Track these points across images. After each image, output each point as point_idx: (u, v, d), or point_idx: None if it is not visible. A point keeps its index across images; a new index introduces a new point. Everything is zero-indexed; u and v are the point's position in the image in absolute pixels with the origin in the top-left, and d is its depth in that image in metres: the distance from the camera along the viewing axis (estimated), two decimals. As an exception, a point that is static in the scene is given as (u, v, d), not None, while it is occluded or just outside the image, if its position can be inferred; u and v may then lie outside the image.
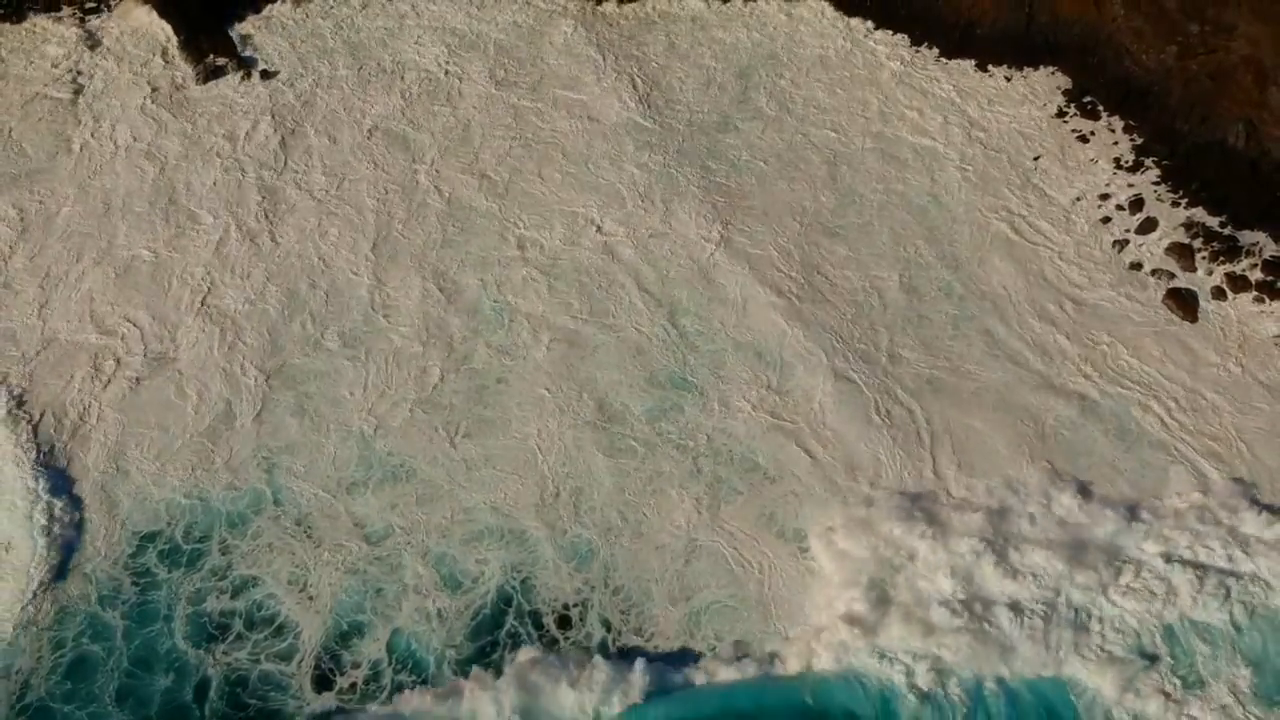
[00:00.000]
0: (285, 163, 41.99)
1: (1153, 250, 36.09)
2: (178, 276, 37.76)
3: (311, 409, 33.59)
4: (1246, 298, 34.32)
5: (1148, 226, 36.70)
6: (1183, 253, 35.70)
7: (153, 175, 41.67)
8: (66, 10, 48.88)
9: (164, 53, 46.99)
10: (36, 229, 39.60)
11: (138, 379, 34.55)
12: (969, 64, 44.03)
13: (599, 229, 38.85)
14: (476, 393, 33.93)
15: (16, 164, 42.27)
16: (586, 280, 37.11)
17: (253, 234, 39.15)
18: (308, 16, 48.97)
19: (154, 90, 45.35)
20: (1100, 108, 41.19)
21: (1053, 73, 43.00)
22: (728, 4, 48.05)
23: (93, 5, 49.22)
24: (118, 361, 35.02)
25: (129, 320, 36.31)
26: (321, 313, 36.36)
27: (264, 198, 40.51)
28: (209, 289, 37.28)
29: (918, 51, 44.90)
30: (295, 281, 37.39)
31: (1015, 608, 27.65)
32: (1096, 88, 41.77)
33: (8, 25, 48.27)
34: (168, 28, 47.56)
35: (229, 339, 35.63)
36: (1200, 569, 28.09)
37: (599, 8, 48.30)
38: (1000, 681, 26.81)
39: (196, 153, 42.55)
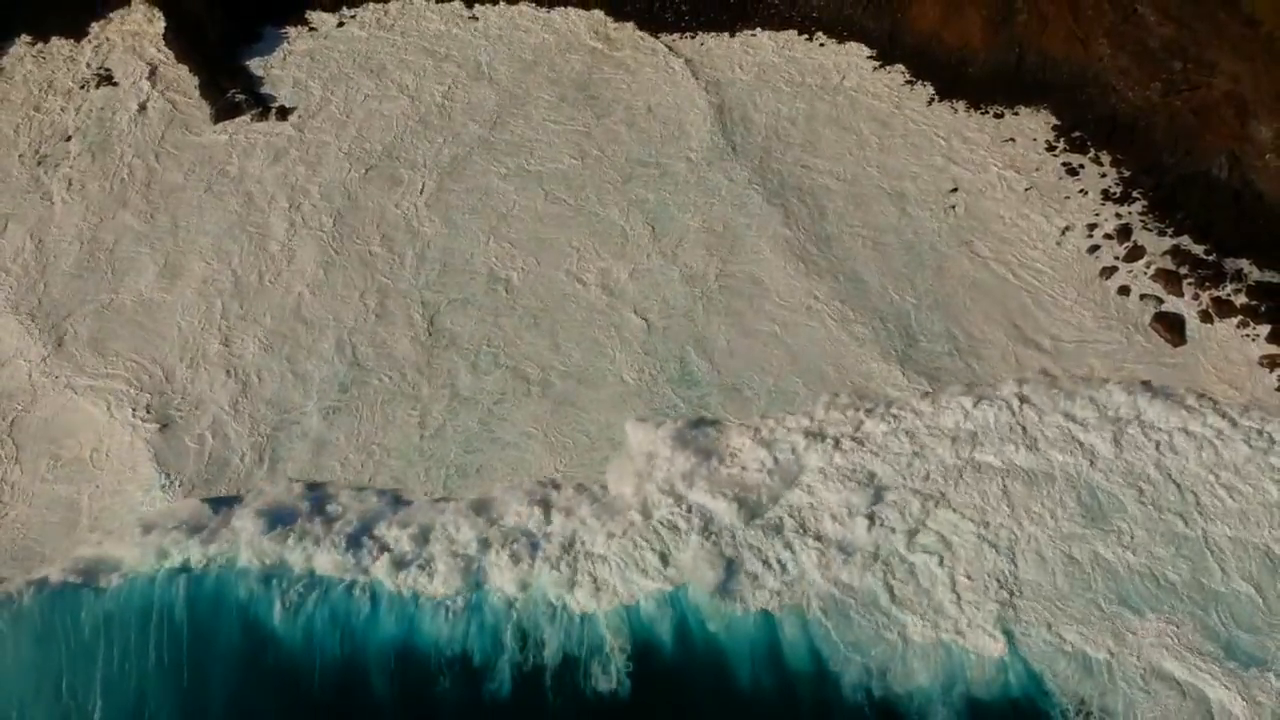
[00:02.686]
0: (291, 203, 42.92)
1: (1140, 277, 37.02)
2: (178, 320, 38.37)
3: (298, 457, 34.13)
4: (1232, 322, 35.16)
5: (1135, 254, 37.66)
6: (1170, 279, 36.62)
7: (161, 215, 42.65)
8: (82, 44, 50.60)
9: (181, 91, 48.40)
10: (48, 266, 40.60)
11: (138, 425, 35.03)
12: (961, 102, 45.25)
13: (592, 265, 39.68)
14: (462, 439, 34.60)
15: (26, 201, 43.49)
16: (577, 318, 37.88)
17: (254, 278, 39.88)
18: (327, 50, 50.49)
19: (167, 128, 46.55)
20: (1089, 142, 42.30)
21: (1042, 109, 44.13)
22: (718, 38, 49.68)
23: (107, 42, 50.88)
24: (119, 407, 35.59)
25: (131, 365, 36.86)
26: (316, 357, 36.96)
27: (269, 240, 41.33)
28: (209, 334, 37.88)
29: (911, 89, 46.19)
30: (292, 327, 38.01)
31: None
32: (1085, 123, 42.93)
33: (25, 57, 49.93)
34: (183, 68, 49.19)
35: (227, 385, 36.16)
36: None
37: (603, 43, 49.74)
38: None
39: (202, 192, 43.48)
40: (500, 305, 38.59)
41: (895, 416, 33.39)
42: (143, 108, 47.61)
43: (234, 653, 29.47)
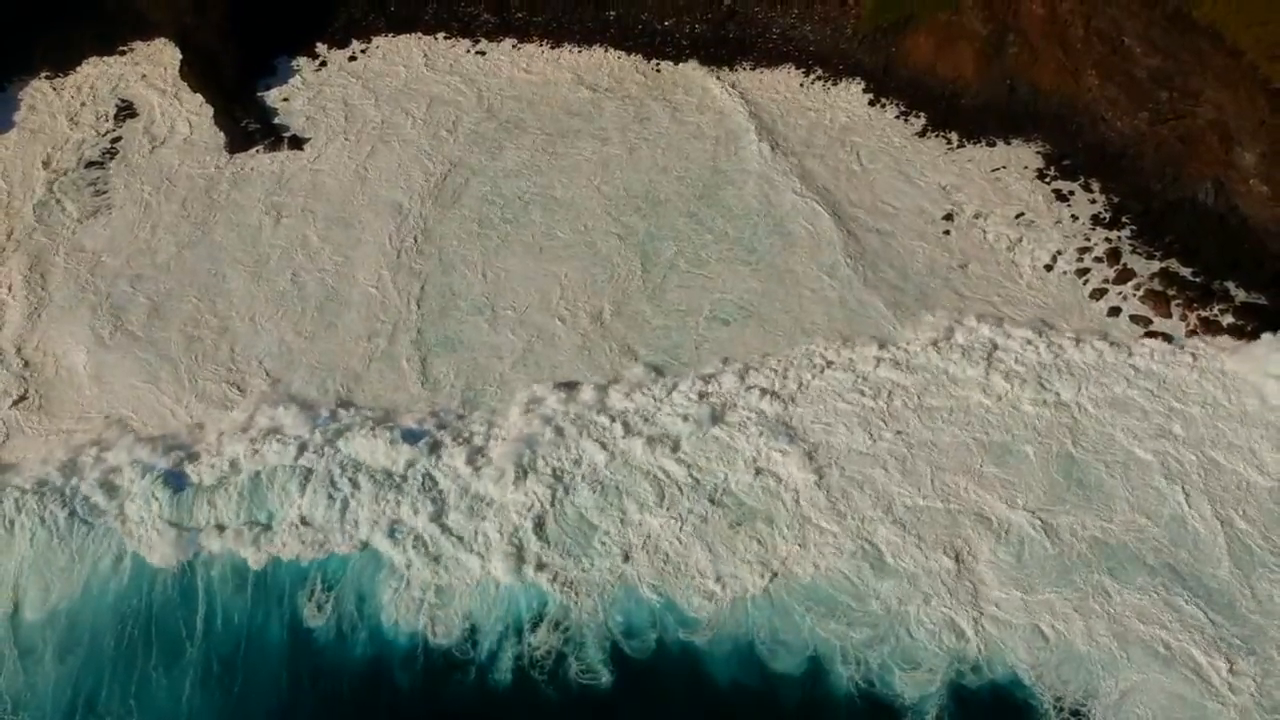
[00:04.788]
0: (297, 232, 43.48)
1: (1130, 298, 37.95)
2: (182, 365, 38.22)
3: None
4: (1220, 340, 35.98)
5: (1124, 276, 38.65)
6: (1158, 300, 37.58)
7: (171, 241, 43.20)
8: (100, 77, 51.81)
9: (196, 121, 49.44)
10: (60, 299, 41.02)
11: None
12: (954, 132, 46.40)
13: (585, 296, 40.20)
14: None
15: (38, 231, 44.07)
16: (568, 348, 38.16)
17: (252, 309, 40.15)
18: (338, 82, 51.73)
19: (182, 158, 47.37)
20: (1079, 170, 43.48)
21: (1033, 139, 45.35)
22: (718, 71, 51.14)
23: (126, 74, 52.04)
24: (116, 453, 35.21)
25: (129, 413, 36.51)
26: (319, 402, 36.64)
27: (273, 268, 41.88)
28: (216, 379, 37.68)
29: (905, 120, 47.40)
30: (291, 371, 37.91)
31: None
32: (1075, 152, 44.16)
33: (46, 89, 51.18)
34: (198, 99, 50.31)
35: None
36: None
37: (605, 79, 50.98)
38: None
39: (213, 223, 44.03)
40: (496, 337, 38.87)
41: (888, 397, 35.60)
42: (159, 138, 48.56)
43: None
